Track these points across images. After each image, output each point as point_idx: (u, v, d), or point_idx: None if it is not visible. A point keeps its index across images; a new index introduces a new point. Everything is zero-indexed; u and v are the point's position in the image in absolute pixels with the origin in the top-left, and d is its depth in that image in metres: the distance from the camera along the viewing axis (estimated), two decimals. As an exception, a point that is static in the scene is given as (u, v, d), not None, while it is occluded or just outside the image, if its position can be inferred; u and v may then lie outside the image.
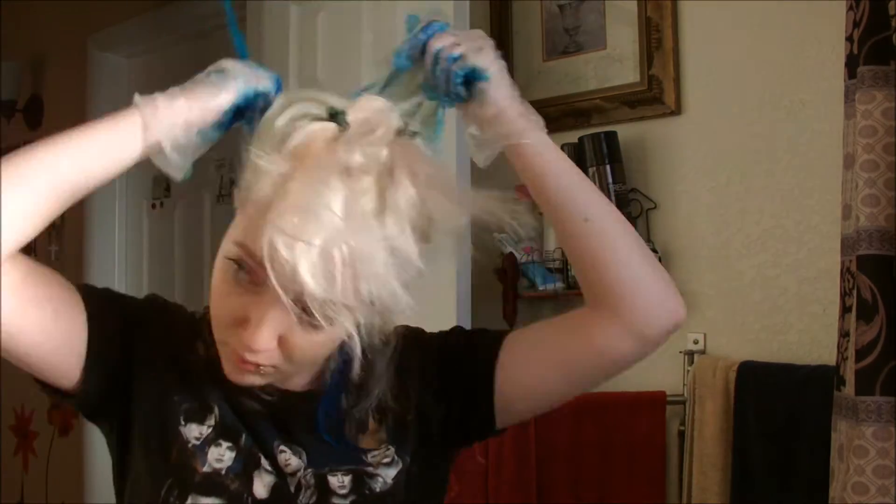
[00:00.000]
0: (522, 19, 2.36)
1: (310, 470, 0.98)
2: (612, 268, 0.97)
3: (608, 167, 2.11)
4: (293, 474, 0.98)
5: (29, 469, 3.91)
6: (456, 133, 2.15)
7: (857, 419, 1.49)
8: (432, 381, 1.03)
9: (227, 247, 0.89)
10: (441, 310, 2.13)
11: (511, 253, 2.21)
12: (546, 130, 1.04)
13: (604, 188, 2.11)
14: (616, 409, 2.05)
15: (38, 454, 3.86)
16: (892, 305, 1.48)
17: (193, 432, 0.97)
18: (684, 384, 2.02)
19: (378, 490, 0.98)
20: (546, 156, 1.05)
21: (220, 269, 0.90)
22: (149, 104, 0.92)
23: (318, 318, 0.85)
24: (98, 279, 3.60)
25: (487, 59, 0.97)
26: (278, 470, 0.98)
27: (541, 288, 2.19)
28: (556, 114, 2.29)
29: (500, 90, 0.99)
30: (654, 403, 2.03)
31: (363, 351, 0.93)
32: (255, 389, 0.98)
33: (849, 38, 1.57)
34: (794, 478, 1.81)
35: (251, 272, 0.86)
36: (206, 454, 0.96)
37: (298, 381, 1.01)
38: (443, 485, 1.08)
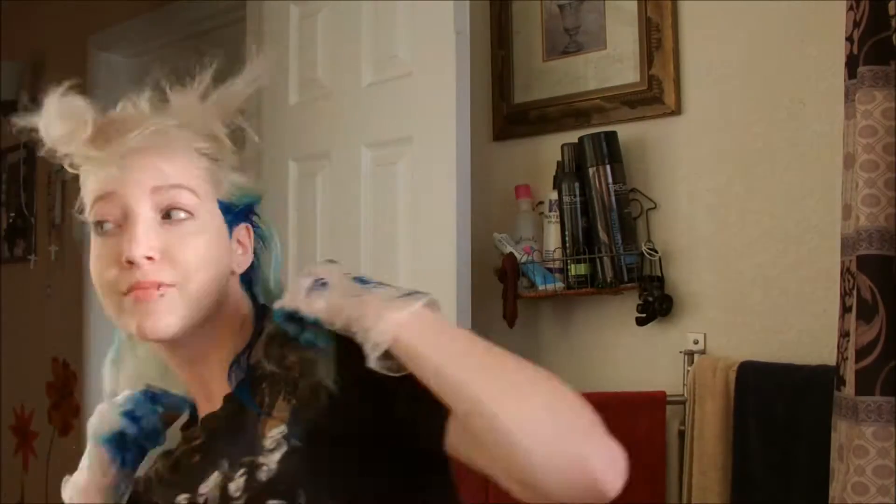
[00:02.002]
0: (522, 19, 2.36)
1: (219, 483, 0.99)
2: (507, 452, 0.83)
3: (608, 167, 2.11)
4: (203, 493, 1.00)
5: (29, 469, 3.91)
6: (456, 132, 2.16)
7: (857, 419, 1.49)
8: (369, 388, 0.94)
9: (90, 219, 1.00)
10: (441, 309, 2.13)
11: (511, 253, 2.21)
12: (424, 301, 0.91)
13: (604, 188, 2.11)
14: (616, 409, 2.04)
15: (38, 454, 3.86)
16: (892, 305, 1.48)
17: None
18: (684, 384, 2.02)
19: (264, 479, 0.96)
20: (419, 350, 0.88)
21: (91, 251, 1.01)
22: None
23: (177, 202, 0.98)
24: (98, 279, 3.59)
25: (290, 301, 0.96)
26: (194, 500, 1.01)
27: (541, 288, 2.19)
28: (556, 114, 2.29)
29: (339, 312, 0.92)
30: (654, 403, 2.03)
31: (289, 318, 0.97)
32: (183, 447, 1.06)
33: (849, 38, 1.57)
34: (794, 478, 1.81)
35: (112, 216, 0.99)
36: None
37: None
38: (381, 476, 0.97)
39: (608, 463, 0.81)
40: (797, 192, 1.96)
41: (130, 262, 0.96)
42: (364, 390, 0.93)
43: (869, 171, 1.50)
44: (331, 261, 0.98)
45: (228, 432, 1.02)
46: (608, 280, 2.12)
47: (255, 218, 1.10)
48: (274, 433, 0.98)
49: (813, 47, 1.94)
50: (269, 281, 1.10)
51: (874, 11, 1.52)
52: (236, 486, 0.97)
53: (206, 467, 1.01)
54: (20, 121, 1.00)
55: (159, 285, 0.97)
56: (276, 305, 0.97)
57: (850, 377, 1.52)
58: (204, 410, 1.07)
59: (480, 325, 2.24)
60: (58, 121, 0.99)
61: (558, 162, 2.21)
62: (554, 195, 2.20)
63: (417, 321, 0.89)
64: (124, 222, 0.98)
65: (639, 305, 2.07)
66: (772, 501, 1.84)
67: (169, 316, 0.98)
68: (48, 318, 3.87)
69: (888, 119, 1.50)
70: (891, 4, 1.51)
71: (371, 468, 0.95)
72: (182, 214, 0.99)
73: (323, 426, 0.96)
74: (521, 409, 0.82)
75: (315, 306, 0.93)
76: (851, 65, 1.56)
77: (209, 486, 0.99)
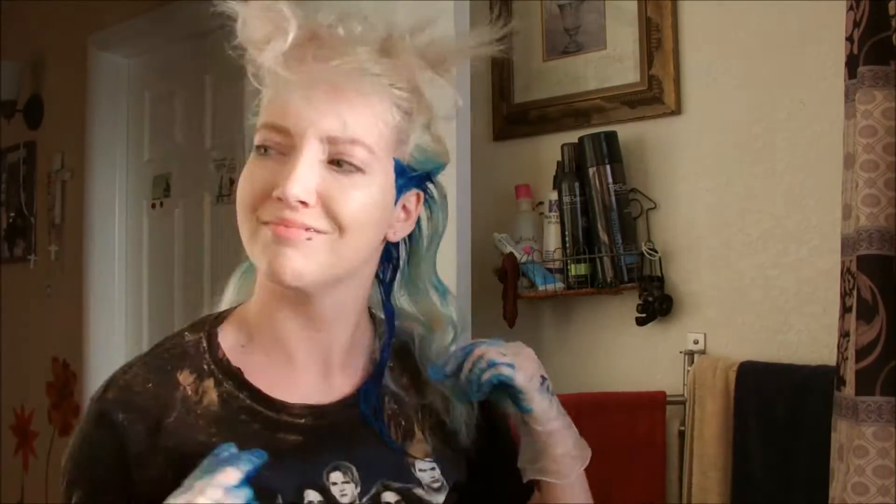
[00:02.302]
0: (522, 19, 2.36)
1: (363, 499, 0.95)
2: None
3: (608, 167, 2.11)
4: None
5: (29, 469, 3.91)
6: (456, 132, 2.16)
7: (857, 419, 1.49)
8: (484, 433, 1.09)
9: (255, 139, 0.93)
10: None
11: (511, 253, 2.21)
12: (586, 463, 1.06)
13: (604, 188, 2.11)
14: (616, 409, 2.05)
15: (38, 454, 3.86)
16: (893, 305, 1.48)
17: None
18: (684, 384, 2.02)
19: None
20: (571, 499, 1.05)
21: (246, 169, 0.93)
22: None
23: (349, 156, 0.90)
24: (98, 279, 3.60)
25: (526, 381, 1.00)
26: (330, 499, 0.94)
27: (541, 288, 2.19)
28: (556, 114, 2.29)
29: (547, 423, 1.02)
30: (654, 403, 2.03)
31: (415, 344, 1.01)
32: (285, 417, 0.95)
33: (849, 38, 1.57)
34: (794, 478, 1.81)
35: (278, 145, 0.91)
36: None
37: (339, 367, 1.00)
38: None
39: None
40: (797, 192, 1.96)
41: (280, 199, 0.89)
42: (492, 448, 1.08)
43: (869, 171, 1.50)
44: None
45: (346, 433, 0.97)
46: (608, 280, 2.12)
47: (430, 186, 1.02)
48: (425, 467, 1.00)
49: (813, 47, 1.94)
50: (422, 260, 1.03)
51: (874, 11, 1.52)
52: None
53: (313, 459, 0.95)
54: (221, 3, 0.90)
55: (308, 228, 0.90)
56: (498, 371, 0.99)
57: (850, 377, 1.52)
58: (306, 389, 0.98)
59: (480, 325, 2.24)
60: (257, 21, 0.90)
61: (558, 162, 2.21)
62: (554, 195, 2.20)
63: (579, 475, 1.04)
64: (290, 153, 0.90)
65: (639, 305, 2.07)
66: (772, 501, 1.84)
67: (310, 263, 0.90)
68: (48, 318, 3.87)
69: (888, 119, 1.50)
70: (891, 4, 1.51)
71: None
72: (352, 167, 0.91)
73: (466, 481, 1.04)
74: None
75: (539, 406, 1.00)
76: (851, 65, 1.56)
77: (348, 493, 0.95)
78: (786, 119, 1.98)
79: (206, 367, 0.97)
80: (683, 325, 2.08)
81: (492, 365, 0.98)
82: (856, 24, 1.54)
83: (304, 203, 0.89)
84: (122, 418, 0.92)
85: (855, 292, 1.52)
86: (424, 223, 1.03)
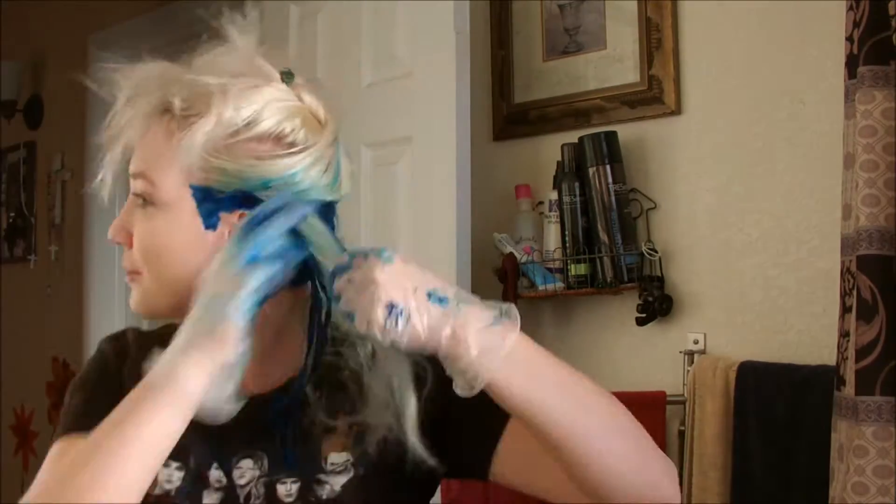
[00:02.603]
0: (522, 19, 2.36)
1: (262, 479, 0.97)
2: (597, 479, 0.88)
3: (608, 167, 2.11)
4: (245, 486, 0.98)
5: (29, 469, 3.91)
6: (456, 132, 2.16)
7: (857, 419, 1.49)
8: (433, 414, 0.95)
9: None
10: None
11: (511, 253, 2.21)
12: (517, 326, 0.86)
13: (604, 188, 2.11)
14: (616, 409, 2.05)
15: (38, 454, 3.86)
16: (892, 305, 1.48)
17: None
18: (684, 384, 2.02)
19: (324, 497, 0.96)
20: (514, 390, 0.86)
21: None
22: (170, 383, 0.86)
23: (140, 191, 0.94)
24: (98, 279, 3.60)
25: (364, 324, 0.84)
26: (230, 483, 0.98)
27: (541, 288, 2.19)
28: (556, 114, 2.29)
29: (442, 337, 0.84)
30: (654, 403, 2.03)
31: (337, 340, 0.97)
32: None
33: (849, 38, 1.57)
34: (794, 478, 1.81)
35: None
36: (156, 476, 0.93)
37: (270, 374, 0.99)
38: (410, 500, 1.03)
39: (672, 479, 0.91)
40: (797, 192, 1.96)
41: None
42: (428, 425, 0.93)
43: (869, 171, 1.50)
44: (386, 253, 0.84)
45: (276, 423, 0.98)
46: (608, 280, 2.12)
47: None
48: (339, 458, 0.97)
49: (813, 47, 1.94)
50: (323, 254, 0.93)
51: (874, 11, 1.52)
52: (287, 490, 0.97)
53: (240, 446, 0.98)
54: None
55: (129, 271, 0.98)
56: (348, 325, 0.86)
57: (850, 377, 1.52)
58: (253, 380, 0.98)
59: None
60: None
61: (558, 162, 2.21)
62: (554, 195, 2.20)
63: (511, 361, 0.85)
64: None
65: (639, 305, 2.07)
66: (772, 501, 1.84)
67: (136, 297, 0.98)
68: (48, 318, 3.87)
69: (888, 119, 1.50)
70: (891, 4, 1.51)
71: (406, 496, 1.01)
72: (141, 201, 0.96)
73: (384, 457, 0.97)
74: (610, 449, 0.88)
75: (396, 342, 0.84)
76: (851, 65, 1.56)
77: (246, 476, 0.98)
78: (786, 119, 1.98)
79: None
80: (683, 325, 2.08)
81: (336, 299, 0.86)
82: (856, 24, 1.54)
83: (124, 243, 0.97)
84: (130, 343, 1.06)
85: (855, 292, 1.52)
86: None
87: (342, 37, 2.40)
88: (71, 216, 3.78)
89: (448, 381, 0.86)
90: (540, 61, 2.34)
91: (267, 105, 0.94)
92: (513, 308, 0.86)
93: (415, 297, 0.83)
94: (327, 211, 0.96)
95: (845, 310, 1.56)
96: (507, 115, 2.38)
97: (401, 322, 0.83)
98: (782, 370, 1.88)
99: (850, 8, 1.57)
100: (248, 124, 0.93)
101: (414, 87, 2.23)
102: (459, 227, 2.13)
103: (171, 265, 0.95)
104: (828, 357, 1.77)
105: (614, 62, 2.21)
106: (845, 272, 1.56)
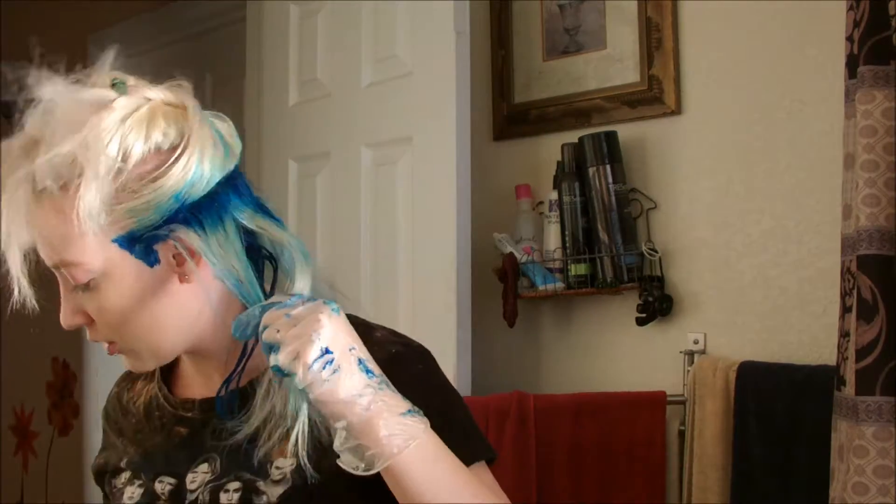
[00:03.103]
0: (522, 19, 2.36)
1: (210, 485, 0.98)
2: None
3: (608, 167, 2.11)
4: (194, 490, 0.99)
5: (29, 469, 3.90)
6: (456, 131, 2.16)
7: (857, 419, 1.49)
8: None
9: None
10: (441, 309, 2.13)
11: (511, 253, 2.21)
12: (427, 424, 0.88)
13: (604, 188, 2.11)
14: (616, 409, 2.05)
15: (38, 454, 3.86)
16: (893, 305, 1.48)
17: (119, 481, 1.06)
18: (684, 384, 2.02)
19: None
20: (409, 482, 0.87)
21: None
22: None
23: (73, 273, 0.91)
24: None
25: (288, 361, 0.85)
26: (181, 491, 0.99)
27: (541, 288, 2.19)
28: (556, 114, 2.29)
29: (334, 393, 0.86)
30: (654, 403, 2.03)
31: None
32: (179, 411, 1.04)
33: (849, 38, 1.57)
34: (794, 478, 1.81)
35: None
36: (122, 495, 1.04)
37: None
38: None
39: None
40: (797, 192, 1.96)
41: None
42: None
43: (869, 171, 1.50)
44: (335, 305, 0.88)
45: (226, 429, 0.99)
46: (608, 280, 2.12)
47: (183, 223, 0.92)
48: (284, 462, 0.97)
49: (813, 47, 1.94)
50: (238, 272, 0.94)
51: (874, 11, 1.52)
52: (228, 499, 0.97)
53: (194, 452, 1.01)
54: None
55: (108, 343, 0.97)
56: (271, 362, 0.86)
57: (850, 377, 1.52)
58: (205, 385, 1.04)
59: (480, 325, 2.24)
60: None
61: (558, 162, 2.21)
62: (554, 195, 2.20)
63: (415, 454, 0.87)
64: None
65: (639, 305, 2.07)
66: (772, 501, 1.84)
67: (135, 365, 0.99)
68: (48, 318, 3.86)
69: (888, 119, 1.50)
70: (891, 4, 1.51)
71: None
72: (82, 284, 0.93)
73: (326, 472, 0.95)
74: None
75: (311, 388, 0.85)
76: (851, 65, 1.56)
77: (197, 481, 0.99)
78: (786, 119, 1.98)
79: (156, 371, 1.09)
80: (683, 325, 2.08)
81: (268, 348, 0.88)
82: (856, 24, 1.54)
83: (85, 323, 0.96)
84: (106, 415, 1.15)
85: (855, 292, 1.52)
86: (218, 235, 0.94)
87: (342, 37, 2.40)
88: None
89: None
90: (540, 61, 2.34)
91: (124, 127, 0.91)
92: (422, 418, 0.88)
93: (348, 357, 0.86)
94: (235, 179, 0.96)
95: (845, 310, 1.56)
96: (507, 115, 2.38)
97: (327, 370, 0.85)
98: (782, 370, 1.88)
99: (850, 8, 1.57)
100: (123, 157, 0.90)
101: (414, 87, 2.23)
102: (459, 227, 2.13)
103: (140, 322, 0.94)
104: (828, 357, 1.77)
105: (614, 62, 2.21)
106: (845, 272, 1.56)
